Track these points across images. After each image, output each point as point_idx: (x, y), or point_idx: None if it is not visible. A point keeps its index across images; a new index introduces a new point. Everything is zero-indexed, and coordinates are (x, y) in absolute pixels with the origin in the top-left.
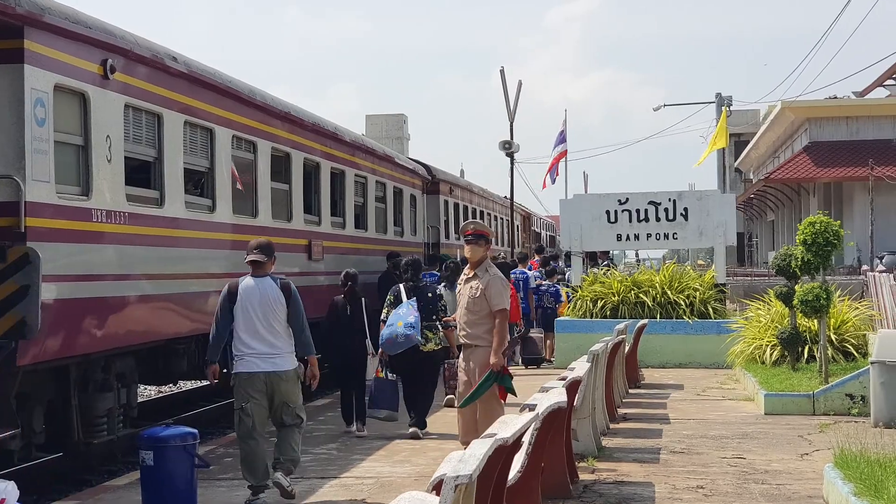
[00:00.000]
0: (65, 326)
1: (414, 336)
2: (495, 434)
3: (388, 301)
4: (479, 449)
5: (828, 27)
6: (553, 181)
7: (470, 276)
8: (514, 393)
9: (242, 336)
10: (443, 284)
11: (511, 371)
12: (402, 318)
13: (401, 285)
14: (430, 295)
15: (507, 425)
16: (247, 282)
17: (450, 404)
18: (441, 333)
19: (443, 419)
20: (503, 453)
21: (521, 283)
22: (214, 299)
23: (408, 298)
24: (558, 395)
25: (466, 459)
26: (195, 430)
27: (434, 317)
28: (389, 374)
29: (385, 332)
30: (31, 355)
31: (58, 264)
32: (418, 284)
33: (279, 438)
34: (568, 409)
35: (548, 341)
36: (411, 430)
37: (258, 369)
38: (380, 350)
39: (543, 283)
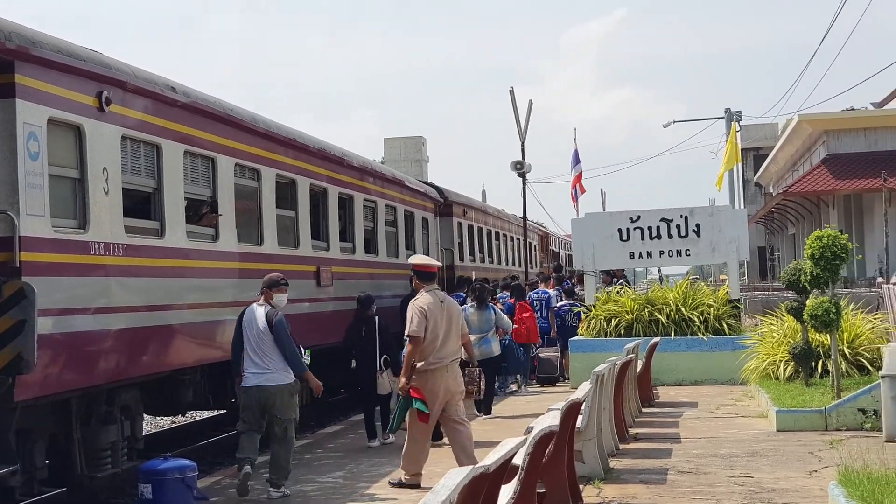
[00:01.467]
0: (64, 360)
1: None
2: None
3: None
4: (454, 478)
5: (823, 36)
6: (577, 199)
7: None
8: (424, 411)
9: (245, 355)
10: (469, 304)
11: (525, 389)
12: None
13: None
14: None
15: (499, 449)
16: (250, 308)
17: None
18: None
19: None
20: (485, 481)
21: (543, 302)
22: (220, 328)
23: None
24: (551, 419)
25: (438, 490)
26: (194, 463)
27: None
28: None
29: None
30: (29, 391)
31: (55, 298)
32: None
33: (271, 455)
34: (569, 431)
35: (563, 360)
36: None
37: (252, 384)
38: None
39: (565, 302)
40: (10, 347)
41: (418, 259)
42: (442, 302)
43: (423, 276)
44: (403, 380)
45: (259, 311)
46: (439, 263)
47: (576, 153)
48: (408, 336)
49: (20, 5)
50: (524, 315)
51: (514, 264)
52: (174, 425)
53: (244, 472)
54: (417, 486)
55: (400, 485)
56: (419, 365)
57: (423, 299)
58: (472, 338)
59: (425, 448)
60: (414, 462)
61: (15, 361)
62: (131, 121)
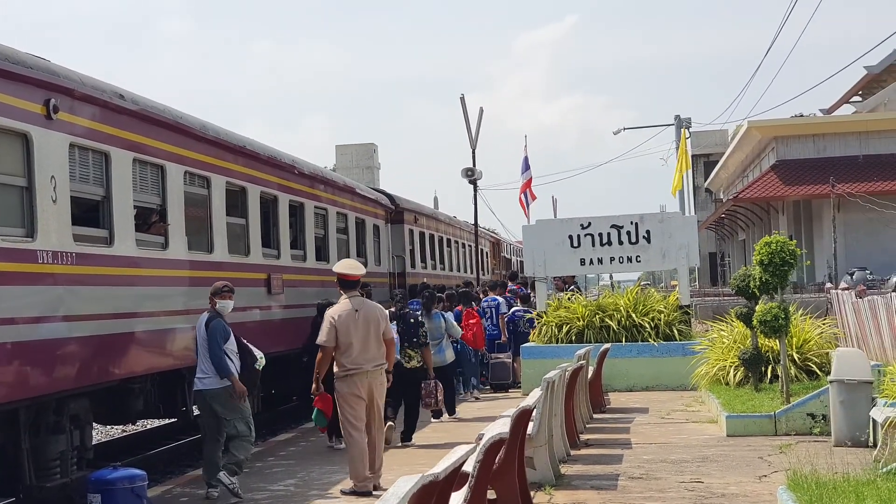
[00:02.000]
0: (12, 370)
1: None
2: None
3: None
4: (403, 486)
5: (770, 43)
6: (528, 206)
7: None
8: (321, 424)
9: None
10: (419, 312)
11: (477, 395)
12: None
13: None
14: (411, 321)
15: (449, 456)
16: (201, 316)
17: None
18: (420, 354)
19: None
20: (435, 488)
21: (492, 309)
22: (171, 337)
23: (393, 322)
24: (501, 427)
25: (387, 498)
26: (143, 472)
27: (415, 339)
28: None
29: None
30: None
31: (2, 307)
32: (402, 311)
33: (227, 447)
34: (520, 438)
35: (515, 365)
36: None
37: (197, 388)
38: None
39: (519, 307)
40: None
41: (338, 266)
42: (357, 310)
43: (343, 283)
44: (314, 387)
45: (203, 318)
46: (363, 271)
47: (525, 160)
48: (318, 344)
49: None
50: (471, 321)
51: (465, 271)
52: (124, 434)
53: (209, 496)
54: (368, 494)
55: (352, 493)
56: (336, 371)
57: (335, 308)
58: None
59: (362, 452)
60: (356, 467)
61: None
62: (79, 129)
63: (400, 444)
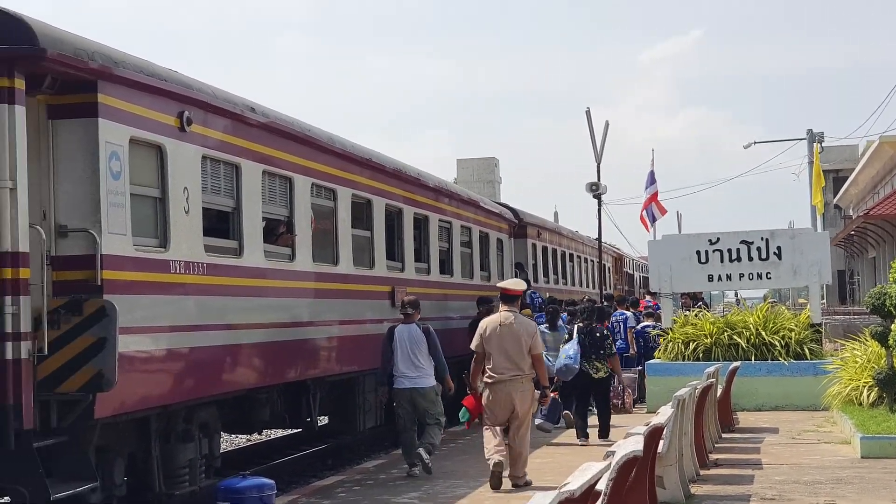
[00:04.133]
0: (144, 378)
1: (572, 365)
2: (567, 484)
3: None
4: (541, 501)
5: None
6: (652, 221)
7: None
8: (463, 419)
9: (398, 364)
10: (545, 326)
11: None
12: (565, 351)
13: (575, 326)
14: (597, 334)
15: (581, 474)
16: (400, 327)
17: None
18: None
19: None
20: None
21: (620, 324)
22: (297, 348)
23: (579, 336)
24: (634, 444)
25: None
26: (272, 481)
27: (602, 351)
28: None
29: (557, 363)
30: (109, 408)
31: (136, 316)
32: (589, 326)
33: (423, 432)
34: (651, 456)
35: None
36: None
37: (405, 386)
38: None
39: (648, 323)
40: (90, 365)
41: (502, 283)
42: (502, 324)
43: (503, 297)
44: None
45: (413, 327)
46: (523, 286)
47: (651, 173)
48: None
49: (102, 24)
50: None
51: (588, 286)
52: (249, 443)
53: (423, 460)
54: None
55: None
56: (482, 377)
57: (487, 318)
58: (549, 356)
59: (489, 440)
60: (486, 450)
61: (95, 379)
62: (211, 141)
63: (600, 441)
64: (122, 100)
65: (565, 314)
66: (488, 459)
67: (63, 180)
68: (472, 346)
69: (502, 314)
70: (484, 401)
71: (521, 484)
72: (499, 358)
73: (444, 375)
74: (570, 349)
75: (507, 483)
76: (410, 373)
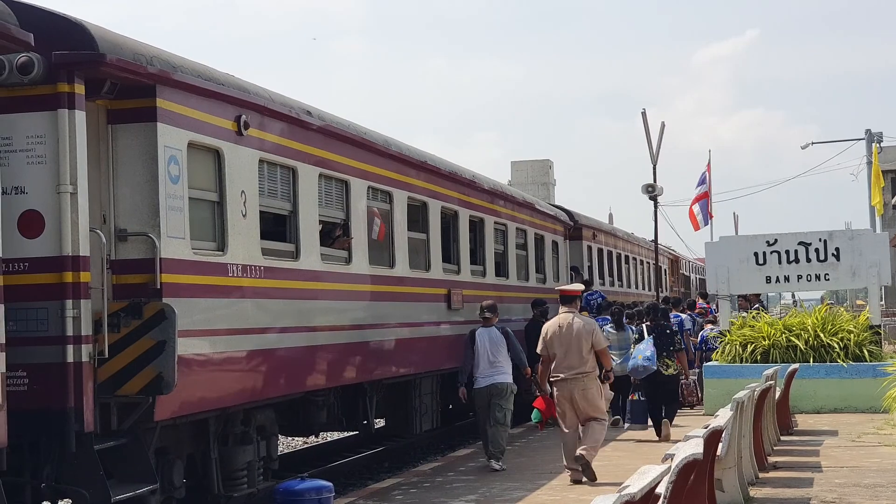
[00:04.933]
0: (202, 381)
1: (650, 367)
2: (626, 487)
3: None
4: None
5: None
6: (706, 222)
7: None
8: (535, 420)
9: (478, 365)
10: (610, 326)
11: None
12: (641, 352)
13: (643, 325)
14: (667, 332)
15: (640, 477)
16: (481, 329)
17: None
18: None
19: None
20: None
21: (676, 326)
22: (353, 350)
23: (648, 336)
24: (694, 447)
25: None
26: (330, 484)
27: (671, 348)
28: (640, 396)
29: (629, 362)
30: (168, 410)
31: (194, 319)
32: (658, 324)
33: (490, 435)
34: (710, 459)
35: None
36: (663, 435)
37: (483, 385)
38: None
39: (713, 327)
40: (150, 367)
41: (560, 286)
42: (561, 326)
43: (561, 298)
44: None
45: (493, 330)
46: (581, 288)
47: (704, 174)
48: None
49: (161, 30)
50: None
51: (643, 288)
52: (306, 445)
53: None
54: (577, 482)
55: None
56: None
57: (548, 322)
58: (615, 355)
59: (565, 444)
60: (564, 455)
61: (155, 381)
62: (268, 144)
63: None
64: (180, 104)
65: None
66: (566, 470)
67: (123, 184)
68: (538, 349)
69: (561, 316)
70: (555, 399)
71: (582, 463)
72: (562, 358)
73: (525, 367)
74: (647, 350)
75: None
76: (489, 371)
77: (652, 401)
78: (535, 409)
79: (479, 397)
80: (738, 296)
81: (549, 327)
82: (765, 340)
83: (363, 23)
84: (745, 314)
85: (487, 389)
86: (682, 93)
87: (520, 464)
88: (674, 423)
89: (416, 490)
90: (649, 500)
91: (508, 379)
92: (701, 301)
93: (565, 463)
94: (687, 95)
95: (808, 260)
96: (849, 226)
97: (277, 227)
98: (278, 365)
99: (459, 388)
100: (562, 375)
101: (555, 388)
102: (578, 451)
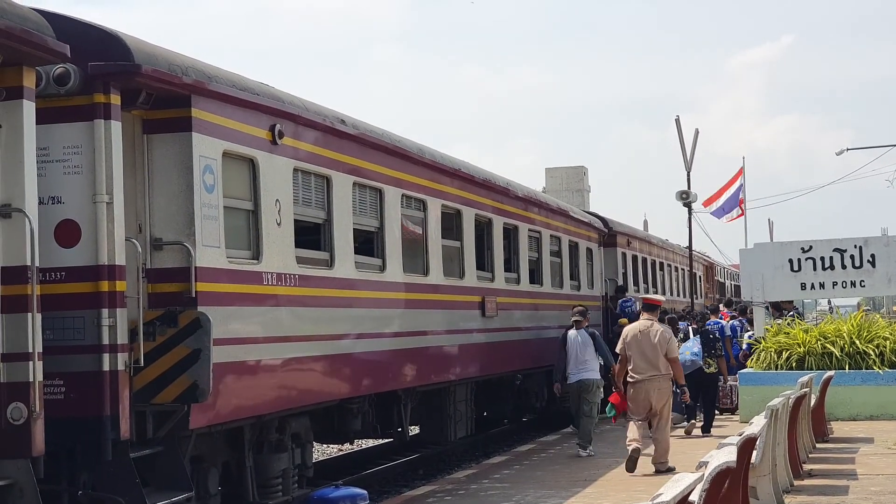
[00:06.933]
0: (237, 389)
1: (697, 361)
2: (660, 495)
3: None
4: None
5: None
6: (719, 215)
7: None
8: (608, 415)
9: (569, 363)
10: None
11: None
12: (688, 348)
13: (689, 328)
14: (710, 336)
15: (674, 485)
16: (572, 331)
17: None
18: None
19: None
20: None
21: (716, 332)
22: (388, 358)
23: (694, 336)
24: (727, 455)
25: None
26: (364, 491)
27: (713, 350)
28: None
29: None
30: (204, 418)
31: (229, 327)
32: (703, 328)
33: (580, 425)
34: (744, 467)
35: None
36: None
37: (573, 381)
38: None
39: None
40: (185, 376)
41: (645, 295)
42: (640, 331)
43: (644, 306)
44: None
45: (583, 332)
46: (663, 299)
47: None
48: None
49: (196, 39)
50: None
51: (678, 295)
52: (341, 453)
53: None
54: (633, 464)
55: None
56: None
57: (630, 325)
58: None
59: (638, 427)
60: (629, 436)
61: (190, 389)
62: (302, 153)
63: (701, 435)
64: (216, 114)
65: None
66: (628, 445)
67: (158, 194)
68: (617, 349)
69: (642, 321)
70: (628, 397)
71: (663, 470)
72: (638, 360)
73: (612, 365)
74: (695, 347)
75: (643, 468)
76: (577, 369)
77: (692, 398)
78: (609, 403)
79: (571, 391)
80: (769, 303)
81: (629, 331)
82: (800, 347)
83: (400, 31)
84: (779, 321)
85: (577, 385)
86: (716, 99)
87: (555, 471)
88: (710, 433)
89: (450, 497)
90: None
91: (595, 375)
92: (726, 309)
93: (629, 437)
94: (721, 101)
95: (844, 266)
96: (884, 232)
97: (312, 236)
98: (313, 373)
99: (555, 384)
100: (637, 377)
101: (630, 387)
102: (652, 460)
